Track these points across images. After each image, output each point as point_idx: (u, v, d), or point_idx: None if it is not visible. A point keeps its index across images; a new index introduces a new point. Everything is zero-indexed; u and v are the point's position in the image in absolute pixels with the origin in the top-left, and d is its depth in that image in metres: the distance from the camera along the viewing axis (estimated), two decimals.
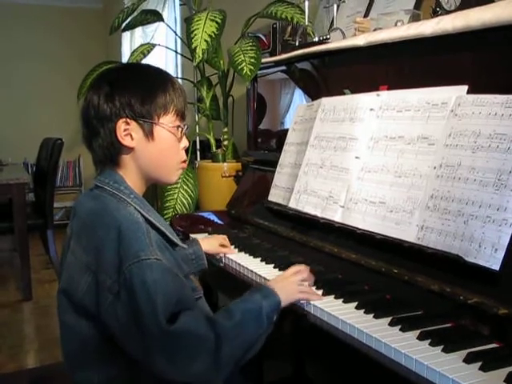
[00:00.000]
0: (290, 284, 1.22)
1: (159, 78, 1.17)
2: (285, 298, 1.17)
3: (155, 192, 2.62)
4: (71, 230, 1.14)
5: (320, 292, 1.26)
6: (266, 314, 1.10)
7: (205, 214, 2.16)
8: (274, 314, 1.13)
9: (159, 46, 3.03)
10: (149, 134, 1.13)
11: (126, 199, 1.10)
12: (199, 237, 1.89)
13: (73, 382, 1.13)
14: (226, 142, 2.68)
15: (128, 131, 1.12)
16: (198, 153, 3.04)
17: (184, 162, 1.22)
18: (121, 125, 1.11)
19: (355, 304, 1.18)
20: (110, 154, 1.14)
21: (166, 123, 1.15)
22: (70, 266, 1.10)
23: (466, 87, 1.24)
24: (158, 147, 1.15)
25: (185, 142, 1.20)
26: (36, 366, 2.67)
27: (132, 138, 1.12)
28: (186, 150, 1.23)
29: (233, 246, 1.73)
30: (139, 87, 1.13)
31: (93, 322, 1.05)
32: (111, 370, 1.07)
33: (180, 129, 1.17)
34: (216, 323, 1.03)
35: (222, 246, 1.66)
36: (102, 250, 1.02)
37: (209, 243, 1.62)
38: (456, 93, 1.25)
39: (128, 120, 1.11)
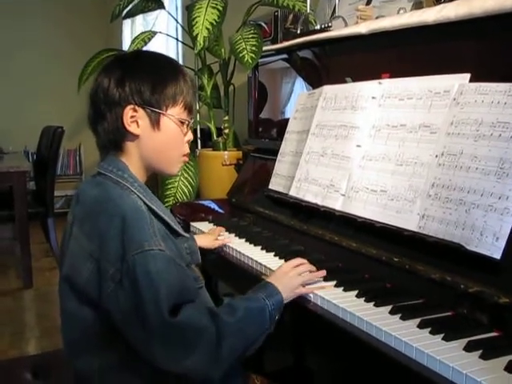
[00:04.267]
0: (292, 280, 1.21)
1: (172, 68, 1.17)
2: (287, 296, 1.17)
3: (156, 180, 2.61)
4: (73, 216, 1.13)
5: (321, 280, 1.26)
6: (269, 313, 1.10)
7: (205, 203, 2.16)
8: (276, 312, 1.13)
9: (160, 33, 3.01)
10: (155, 124, 1.13)
11: (129, 187, 1.09)
12: (200, 225, 1.90)
13: (73, 369, 1.14)
14: (226, 131, 2.67)
15: (135, 118, 1.11)
16: (199, 141, 3.03)
17: (186, 155, 1.21)
18: (128, 111, 1.10)
19: (355, 292, 1.18)
20: (114, 139, 1.13)
21: (174, 114, 1.14)
22: (73, 252, 1.10)
23: (468, 75, 1.24)
24: (162, 137, 1.14)
25: (189, 136, 1.20)
26: (37, 353, 2.67)
27: (138, 126, 1.12)
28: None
29: (233, 234, 1.73)
30: (151, 75, 1.12)
31: (95, 309, 1.05)
32: (112, 357, 1.07)
33: (187, 122, 1.17)
34: (218, 317, 1.03)
35: (217, 240, 1.67)
36: (106, 238, 1.02)
37: (204, 239, 1.64)
38: (458, 81, 1.24)
39: (136, 107, 1.11)
